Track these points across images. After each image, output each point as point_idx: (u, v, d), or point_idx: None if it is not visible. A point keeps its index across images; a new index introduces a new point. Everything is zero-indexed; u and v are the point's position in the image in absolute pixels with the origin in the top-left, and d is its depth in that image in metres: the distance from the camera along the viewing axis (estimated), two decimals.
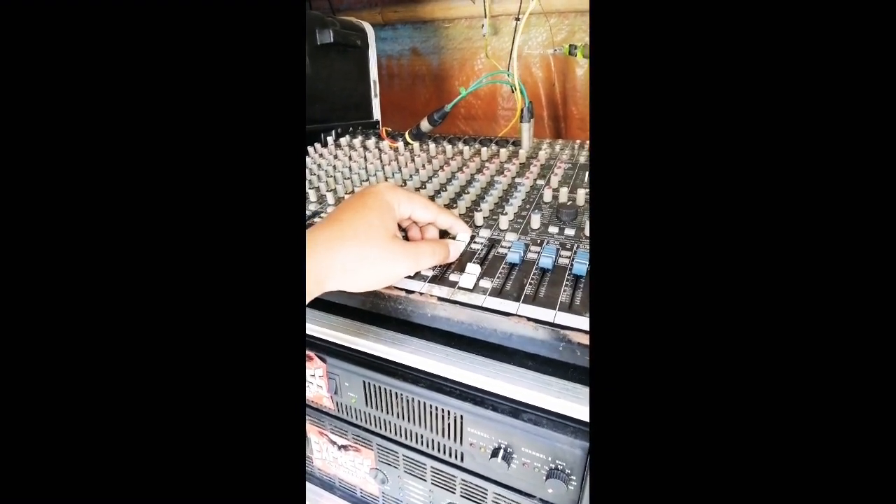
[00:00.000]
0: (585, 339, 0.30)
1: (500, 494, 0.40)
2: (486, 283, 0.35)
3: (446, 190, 0.50)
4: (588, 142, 0.67)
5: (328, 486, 0.56)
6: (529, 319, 0.31)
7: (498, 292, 0.34)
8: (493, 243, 0.41)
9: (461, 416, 0.37)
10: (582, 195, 0.47)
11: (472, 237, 0.41)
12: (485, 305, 0.33)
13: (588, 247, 0.39)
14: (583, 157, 0.60)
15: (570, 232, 0.42)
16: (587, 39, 0.85)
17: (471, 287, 0.35)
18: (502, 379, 0.33)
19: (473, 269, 0.36)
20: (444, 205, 0.48)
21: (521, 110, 0.62)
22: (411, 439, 0.43)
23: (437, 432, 0.40)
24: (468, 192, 0.49)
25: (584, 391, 0.31)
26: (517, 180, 0.53)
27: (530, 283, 0.35)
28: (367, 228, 0.33)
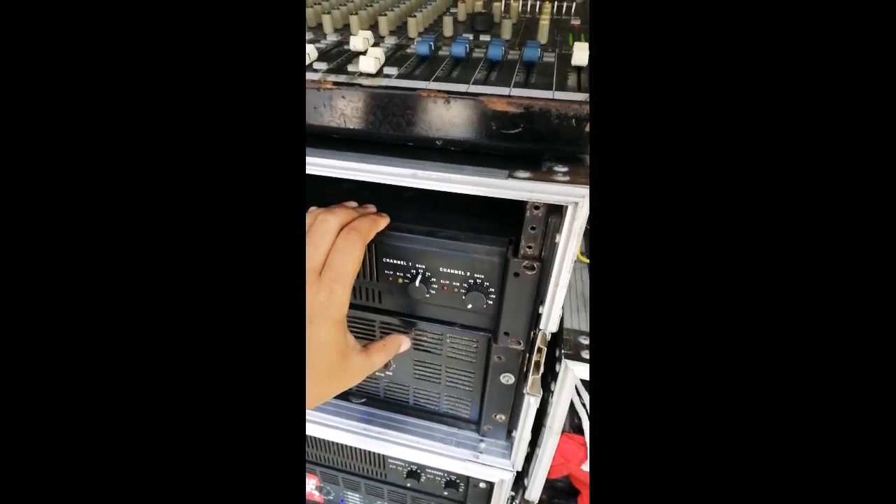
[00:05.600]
0: (502, 107, 0.27)
1: (423, 329, 0.38)
2: (391, 70, 0.31)
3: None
4: None
5: None
6: (440, 93, 0.28)
7: (406, 76, 0.30)
8: (399, 47, 0.36)
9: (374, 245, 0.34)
10: (498, 9, 0.43)
11: None
12: (392, 84, 0.29)
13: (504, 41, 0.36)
14: None
15: (485, 38, 0.38)
16: None
17: (373, 71, 0.30)
18: (419, 175, 0.29)
19: (376, 52, 0.31)
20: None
21: None
22: None
23: None
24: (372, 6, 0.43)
25: (501, 174, 0.28)
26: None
27: (441, 69, 0.31)
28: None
